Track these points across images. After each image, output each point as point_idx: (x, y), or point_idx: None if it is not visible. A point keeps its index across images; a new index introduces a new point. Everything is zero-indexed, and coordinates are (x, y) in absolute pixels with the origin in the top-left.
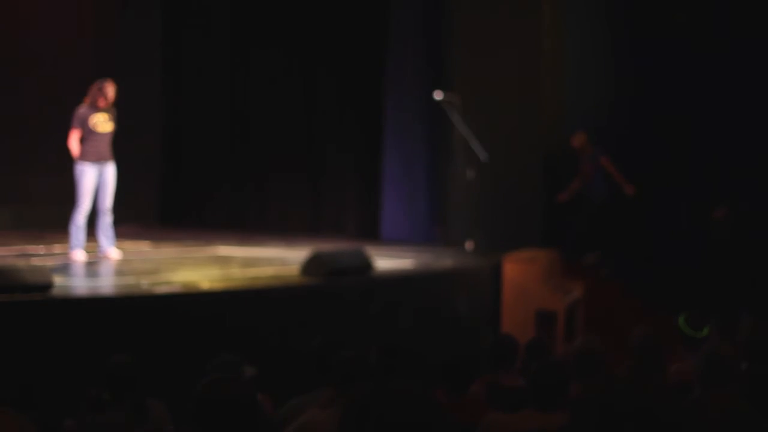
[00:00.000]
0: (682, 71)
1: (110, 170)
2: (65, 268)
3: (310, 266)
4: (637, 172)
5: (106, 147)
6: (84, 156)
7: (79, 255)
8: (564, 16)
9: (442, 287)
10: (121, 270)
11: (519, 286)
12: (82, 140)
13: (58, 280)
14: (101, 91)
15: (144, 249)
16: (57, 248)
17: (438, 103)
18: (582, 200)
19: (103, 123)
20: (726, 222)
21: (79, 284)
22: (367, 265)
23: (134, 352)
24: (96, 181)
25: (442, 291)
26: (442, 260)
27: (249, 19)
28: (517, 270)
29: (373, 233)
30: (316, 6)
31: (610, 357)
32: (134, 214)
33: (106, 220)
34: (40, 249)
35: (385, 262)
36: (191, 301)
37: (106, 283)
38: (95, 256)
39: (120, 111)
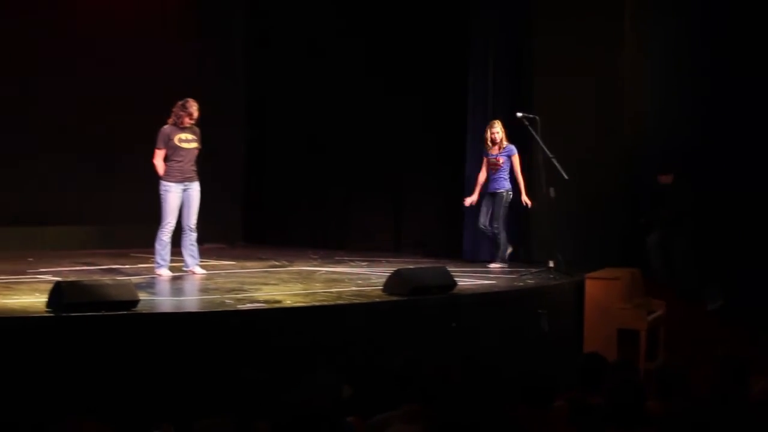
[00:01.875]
0: (761, 97)
1: (195, 188)
2: (150, 285)
3: (393, 284)
4: (710, 194)
5: (190, 165)
6: (169, 174)
7: (164, 272)
8: (645, 38)
9: (525, 305)
10: (205, 287)
11: (601, 304)
12: (167, 159)
13: (143, 296)
14: (185, 110)
15: (228, 266)
16: (142, 265)
17: (519, 122)
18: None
19: (187, 142)
20: (680, 186)
21: (164, 301)
22: (450, 283)
23: (218, 368)
24: (181, 199)
25: (525, 309)
26: (525, 279)
27: (330, 40)
28: (600, 288)
29: (455, 252)
30: (399, 29)
31: (693, 376)
32: (219, 232)
33: (190, 238)
34: (126, 266)
35: (468, 280)
36: (275, 317)
37: (191, 300)
38: (180, 273)
39: (204, 130)
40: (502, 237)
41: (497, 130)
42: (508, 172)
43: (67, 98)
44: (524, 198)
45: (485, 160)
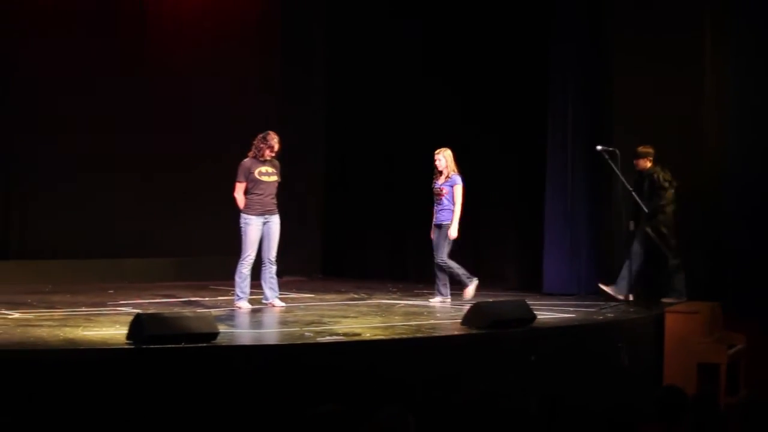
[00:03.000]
0: None
1: (275, 221)
2: (230, 318)
3: (471, 317)
4: None
5: (270, 198)
6: (249, 208)
7: (243, 305)
8: (727, 67)
9: (604, 339)
10: (284, 320)
11: (681, 337)
12: (247, 192)
13: (223, 329)
14: (266, 142)
15: (307, 299)
16: (222, 298)
17: (599, 155)
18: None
19: (267, 175)
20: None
21: (243, 333)
22: (529, 316)
23: (296, 400)
24: (261, 232)
25: (604, 342)
26: (604, 312)
27: (410, 74)
28: (680, 322)
29: (534, 285)
30: (478, 60)
31: None
32: (298, 265)
33: (270, 271)
34: (206, 298)
35: (547, 313)
36: (354, 350)
37: (271, 333)
38: (259, 306)
39: (284, 163)
40: (446, 270)
41: (440, 158)
42: (452, 203)
43: (146, 132)
44: (451, 231)
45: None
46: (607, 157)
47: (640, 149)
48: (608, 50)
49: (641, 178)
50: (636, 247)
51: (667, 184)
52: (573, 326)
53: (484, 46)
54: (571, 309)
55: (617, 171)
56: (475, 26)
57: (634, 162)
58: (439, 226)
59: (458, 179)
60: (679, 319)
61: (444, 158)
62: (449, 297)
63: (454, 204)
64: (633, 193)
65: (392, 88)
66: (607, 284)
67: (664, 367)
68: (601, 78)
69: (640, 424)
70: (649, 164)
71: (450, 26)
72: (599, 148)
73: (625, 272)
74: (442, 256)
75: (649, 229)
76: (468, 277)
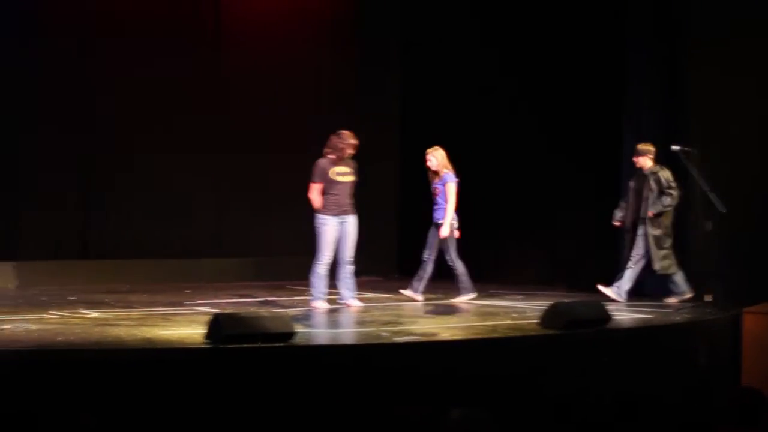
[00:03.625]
0: None
1: (351, 221)
2: (307, 318)
3: (549, 317)
4: None
5: (346, 198)
6: (325, 208)
7: (320, 304)
8: None
9: (681, 339)
10: (361, 320)
11: (759, 338)
12: (324, 192)
13: (299, 329)
14: (344, 141)
15: (384, 299)
16: (299, 298)
17: (675, 154)
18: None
19: (343, 175)
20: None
21: (320, 333)
22: (605, 316)
23: (374, 400)
24: (337, 232)
25: (681, 343)
26: (681, 312)
27: (486, 77)
28: (758, 322)
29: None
30: (553, 65)
31: None
32: (374, 265)
33: (347, 271)
34: (283, 298)
35: (623, 314)
36: (431, 350)
37: (347, 333)
38: (336, 306)
39: (360, 163)
40: (459, 267)
41: (430, 158)
42: (445, 201)
43: (222, 133)
44: (442, 229)
45: None
46: (683, 157)
47: (641, 147)
48: (683, 54)
49: (642, 177)
50: (640, 248)
51: (674, 185)
52: (649, 327)
53: (561, 49)
54: (648, 310)
55: (693, 171)
56: (552, 31)
57: (634, 159)
58: (437, 225)
59: (449, 177)
60: (758, 319)
61: (434, 158)
62: (420, 294)
63: (446, 202)
64: (709, 193)
65: (468, 88)
66: (667, 296)
67: (743, 369)
68: (677, 82)
69: (717, 426)
70: (650, 163)
71: (526, 29)
72: (675, 147)
73: (675, 277)
74: (449, 254)
75: (650, 229)
76: (469, 284)
